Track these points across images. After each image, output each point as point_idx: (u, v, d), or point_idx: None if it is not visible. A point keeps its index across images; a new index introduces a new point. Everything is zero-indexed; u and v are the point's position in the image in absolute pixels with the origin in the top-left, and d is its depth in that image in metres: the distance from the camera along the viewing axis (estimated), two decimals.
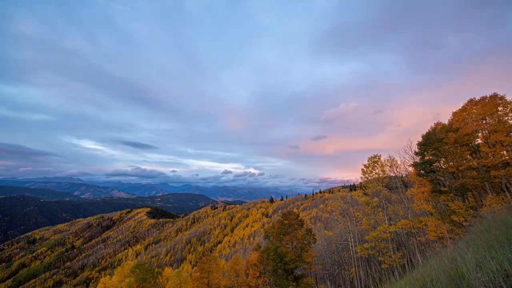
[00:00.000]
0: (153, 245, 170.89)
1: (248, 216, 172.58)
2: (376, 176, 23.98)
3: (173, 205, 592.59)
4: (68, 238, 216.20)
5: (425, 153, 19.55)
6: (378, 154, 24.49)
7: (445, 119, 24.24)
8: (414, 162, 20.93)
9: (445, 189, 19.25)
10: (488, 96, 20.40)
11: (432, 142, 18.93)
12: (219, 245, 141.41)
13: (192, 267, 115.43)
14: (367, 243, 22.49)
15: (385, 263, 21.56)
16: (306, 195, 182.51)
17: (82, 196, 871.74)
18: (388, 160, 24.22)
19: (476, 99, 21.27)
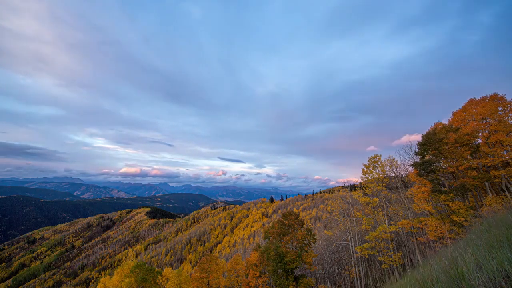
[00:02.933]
0: (153, 245, 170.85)
1: (248, 216, 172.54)
2: (376, 176, 23.99)
3: (173, 205, 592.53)
4: (68, 238, 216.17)
5: (425, 153, 19.55)
6: (378, 154, 24.52)
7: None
8: (414, 162, 20.93)
9: (445, 189, 19.24)
10: (488, 96, 20.42)
11: (432, 142, 18.92)
12: (219, 245, 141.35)
13: (192, 267, 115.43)
14: (367, 243, 22.50)
15: (385, 263, 21.56)
16: (306, 195, 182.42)
17: (82, 196, 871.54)
18: (388, 160, 24.23)
19: (477, 99, 21.29)
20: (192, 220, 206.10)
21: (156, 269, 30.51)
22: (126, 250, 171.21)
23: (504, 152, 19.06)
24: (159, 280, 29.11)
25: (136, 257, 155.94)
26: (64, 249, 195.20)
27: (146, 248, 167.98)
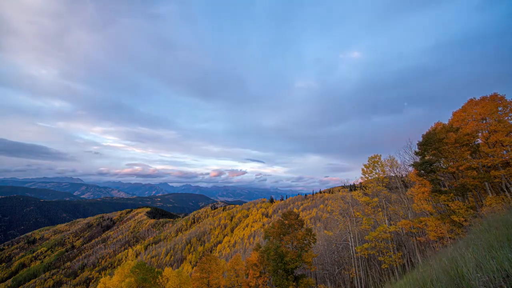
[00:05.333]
0: (153, 245, 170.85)
1: (248, 216, 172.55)
2: (376, 176, 23.98)
3: (173, 205, 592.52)
4: (68, 238, 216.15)
5: (425, 153, 19.55)
6: (378, 154, 24.51)
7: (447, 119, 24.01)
8: (414, 162, 20.94)
9: (445, 189, 19.25)
10: (488, 96, 20.42)
11: (432, 142, 18.93)
12: (219, 245, 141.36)
13: (192, 267, 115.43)
14: (367, 243, 22.50)
15: (385, 263, 21.56)
16: (306, 195, 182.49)
17: (82, 196, 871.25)
18: (388, 160, 24.23)
19: (476, 99, 21.29)
20: (192, 220, 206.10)
21: (156, 269, 30.51)
22: (126, 250, 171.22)
23: (504, 152, 19.06)
24: (159, 280, 29.12)
25: (136, 257, 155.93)
26: (64, 249, 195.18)
27: (146, 248, 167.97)
